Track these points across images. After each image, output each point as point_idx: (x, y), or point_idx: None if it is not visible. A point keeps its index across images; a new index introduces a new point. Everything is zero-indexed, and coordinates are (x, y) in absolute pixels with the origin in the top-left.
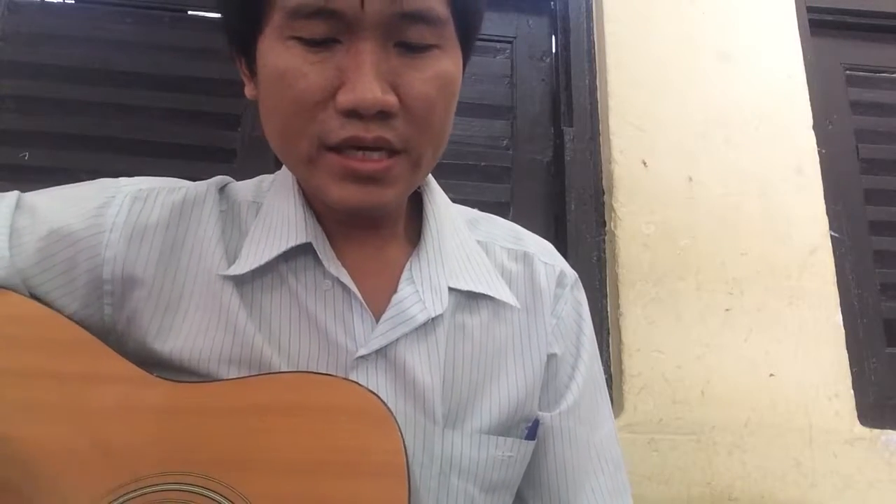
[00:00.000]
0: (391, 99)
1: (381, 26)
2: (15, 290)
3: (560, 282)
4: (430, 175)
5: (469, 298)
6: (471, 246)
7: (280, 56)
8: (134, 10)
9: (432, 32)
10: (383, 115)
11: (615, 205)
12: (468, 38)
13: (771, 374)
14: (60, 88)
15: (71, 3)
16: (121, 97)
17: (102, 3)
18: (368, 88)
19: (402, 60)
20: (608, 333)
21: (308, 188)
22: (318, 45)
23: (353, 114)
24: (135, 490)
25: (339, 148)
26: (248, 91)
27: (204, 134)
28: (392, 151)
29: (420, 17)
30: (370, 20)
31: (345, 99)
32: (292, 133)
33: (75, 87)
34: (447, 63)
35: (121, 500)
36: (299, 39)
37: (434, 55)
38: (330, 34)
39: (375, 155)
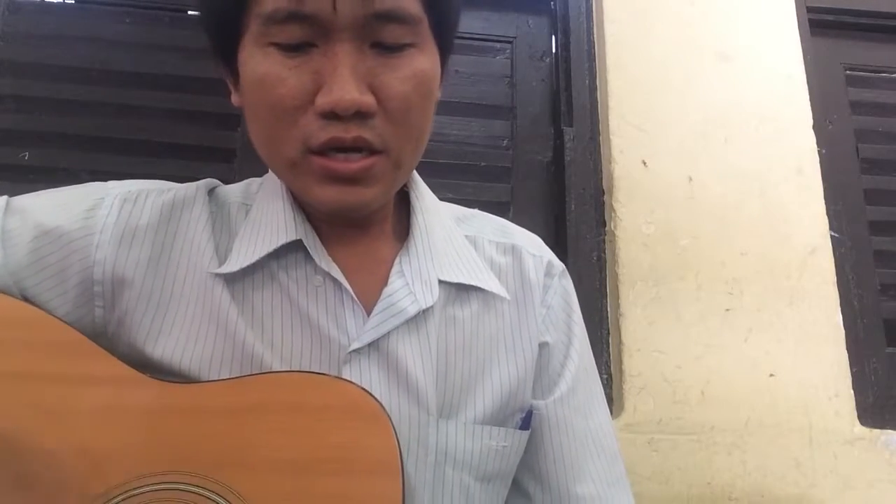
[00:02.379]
0: (369, 99)
1: (355, 28)
2: (6, 293)
3: (548, 272)
4: (415, 173)
5: (459, 291)
6: (459, 240)
7: (259, 63)
8: (134, 10)
9: (407, 31)
10: (362, 116)
11: (615, 205)
12: (444, 35)
13: (771, 374)
14: (60, 88)
15: (71, 3)
16: (121, 97)
17: (102, 3)
18: (346, 89)
19: (379, 61)
20: (608, 333)
21: (293, 191)
22: (294, 49)
23: (332, 115)
24: (130, 490)
25: (321, 151)
26: (234, 99)
27: (204, 134)
28: (372, 151)
29: (393, 17)
30: (343, 22)
31: (323, 101)
32: (275, 138)
33: (75, 87)
34: (423, 61)
35: (116, 500)
36: (276, 45)
37: (410, 54)
38: (306, 38)
39: (356, 156)
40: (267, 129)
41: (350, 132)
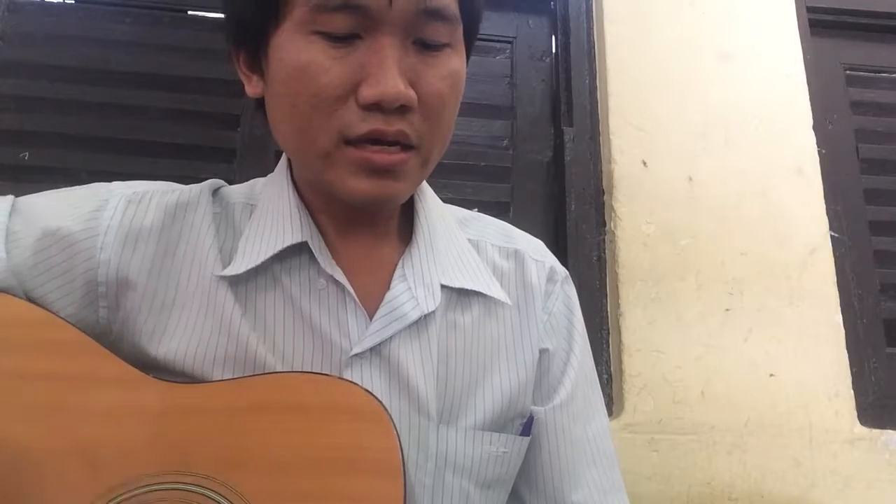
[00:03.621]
0: (413, 94)
1: (404, 23)
2: (11, 293)
3: (550, 278)
4: None
5: (461, 296)
6: (462, 244)
7: (301, 50)
8: (134, 10)
9: (447, 31)
10: (403, 110)
11: (615, 205)
12: (471, 38)
13: (771, 374)
14: (60, 88)
15: (71, 3)
16: (121, 97)
17: (102, 3)
18: (392, 83)
19: (419, 58)
20: (608, 333)
21: (320, 183)
22: (340, 40)
23: (374, 108)
24: (132, 490)
25: (357, 142)
26: (251, 88)
27: (204, 134)
28: (406, 146)
29: (439, 15)
30: (395, 17)
31: (369, 93)
32: (311, 128)
33: (75, 87)
34: (457, 62)
35: (118, 499)
36: (322, 34)
37: (447, 54)
38: (353, 29)
39: (393, 148)
40: (301, 118)
41: (392, 125)
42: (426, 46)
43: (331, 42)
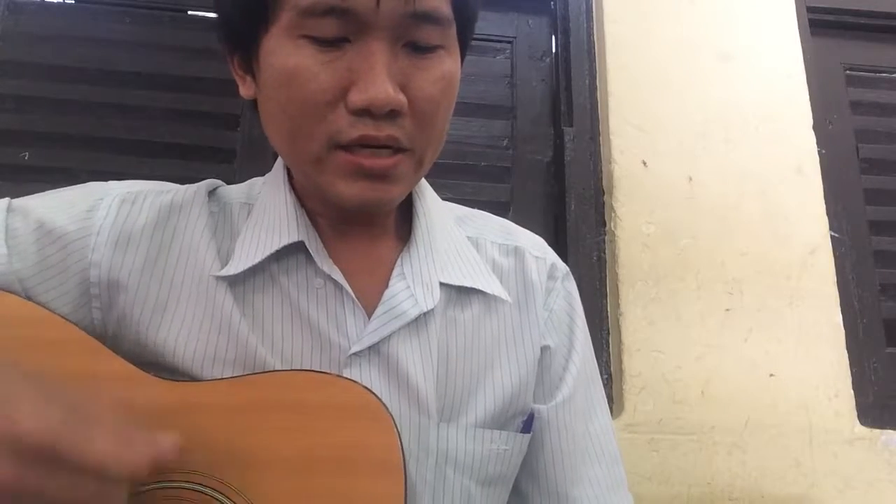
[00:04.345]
0: (403, 98)
1: (393, 26)
2: (11, 290)
3: (551, 274)
4: None
5: (460, 293)
6: (461, 242)
7: (290, 55)
8: (134, 10)
9: (439, 33)
10: (393, 115)
11: (615, 205)
12: (466, 38)
13: (771, 374)
14: (60, 88)
15: (71, 3)
16: (121, 97)
17: (102, 3)
18: (381, 88)
19: (410, 61)
20: (608, 333)
21: (312, 186)
22: (328, 44)
23: (364, 113)
24: (132, 490)
25: (348, 147)
26: (245, 90)
27: (204, 134)
28: (398, 150)
29: (430, 18)
30: (383, 20)
31: (358, 98)
32: (301, 133)
33: (75, 87)
34: (450, 64)
35: None
36: (310, 38)
37: (439, 56)
38: (341, 33)
39: (384, 152)
40: (291, 123)
41: (382, 130)
42: (417, 49)
43: (319, 46)
